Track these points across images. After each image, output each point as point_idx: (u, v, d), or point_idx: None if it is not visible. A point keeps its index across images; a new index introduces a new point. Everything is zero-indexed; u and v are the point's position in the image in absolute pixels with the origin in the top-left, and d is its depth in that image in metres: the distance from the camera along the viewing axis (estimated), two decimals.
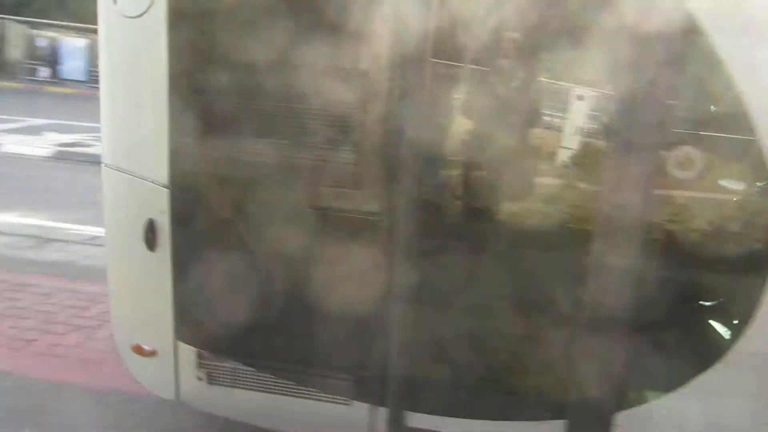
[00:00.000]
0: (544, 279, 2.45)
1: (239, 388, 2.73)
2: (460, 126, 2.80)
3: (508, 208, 2.74)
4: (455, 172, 2.81)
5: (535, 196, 2.79)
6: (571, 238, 2.52)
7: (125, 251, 2.77)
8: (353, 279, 2.39)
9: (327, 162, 2.45)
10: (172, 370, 2.74)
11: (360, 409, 2.60)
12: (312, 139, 2.45)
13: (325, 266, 2.46)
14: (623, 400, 2.42)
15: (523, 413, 2.55)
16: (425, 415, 2.56)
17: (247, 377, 2.71)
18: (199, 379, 2.74)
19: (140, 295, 2.78)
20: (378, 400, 2.57)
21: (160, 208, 2.58)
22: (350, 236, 2.44)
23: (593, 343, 2.34)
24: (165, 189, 2.57)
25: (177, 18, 2.41)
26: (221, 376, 2.73)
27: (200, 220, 2.60)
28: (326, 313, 2.47)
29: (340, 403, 2.62)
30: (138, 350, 2.77)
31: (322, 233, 2.48)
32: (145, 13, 2.43)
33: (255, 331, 2.59)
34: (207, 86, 2.50)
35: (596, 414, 2.43)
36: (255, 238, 2.56)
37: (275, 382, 2.68)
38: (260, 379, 2.71)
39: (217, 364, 2.71)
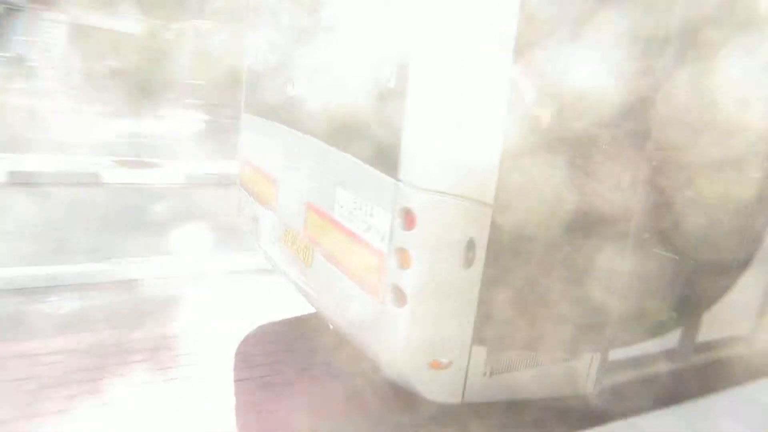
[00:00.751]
0: None
1: (513, 371, 3.06)
2: None
3: None
4: None
5: None
6: None
7: (437, 271, 2.68)
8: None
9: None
10: (462, 375, 2.86)
11: (582, 360, 3.28)
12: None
13: (605, 281, 3.08)
14: None
15: None
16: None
17: (518, 360, 3.07)
18: (484, 374, 2.94)
19: (446, 311, 2.74)
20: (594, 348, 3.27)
21: (481, 226, 2.64)
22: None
23: None
24: (488, 208, 2.64)
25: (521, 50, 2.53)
26: (501, 365, 3.01)
27: (513, 237, 2.74)
28: (581, 304, 3.08)
29: (570, 360, 3.26)
30: (435, 365, 2.79)
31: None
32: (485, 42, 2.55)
33: (536, 323, 3.00)
34: (541, 113, 2.72)
35: None
36: (558, 254, 2.98)
37: (536, 358, 3.15)
38: (527, 359, 3.11)
39: (499, 356, 2.98)
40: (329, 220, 3.22)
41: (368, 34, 3.07)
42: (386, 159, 2.71)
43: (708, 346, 3.84)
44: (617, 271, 3.06)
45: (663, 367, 3.61)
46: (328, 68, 3.37)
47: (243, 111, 4.48)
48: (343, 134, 3.12)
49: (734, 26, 3.11)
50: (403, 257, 2.65)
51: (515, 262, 2.79)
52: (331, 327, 3.53)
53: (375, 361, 3.04)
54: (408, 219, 2.60)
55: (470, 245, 2.61)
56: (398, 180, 2.64)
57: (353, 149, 3.00)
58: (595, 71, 2.65)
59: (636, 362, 3.49)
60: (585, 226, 2.90)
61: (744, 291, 3.78)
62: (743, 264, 3.74)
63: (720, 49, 2.98)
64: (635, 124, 2.94)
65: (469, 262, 2.63)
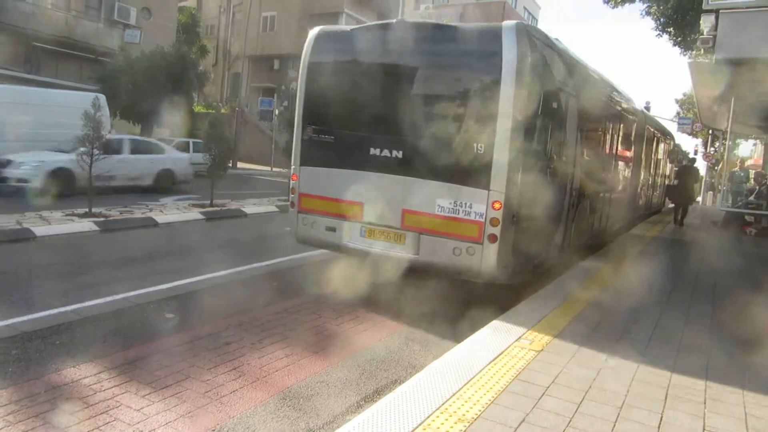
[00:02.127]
0: None
1: (532, 266, 6.78)
2: None
3: None
4: None
5: None
6: None
7: (505, 227, 5.88)
8: None
9: None
10: (515, 270, 6.24)
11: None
12: None
13: None
14: None
15: None
16: None
17: (530, 260, 6.64)
18: (523, 269, 6.51)
19: (508, 243, 5.97)
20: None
21: (518, 207, 5.96)
22: None
23: None
24: (517, 200, 5.94)
25: None
26: (528, 264, 6.59)
27: (520, 213, 6.04)
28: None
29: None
30: (506, 266, 6.00)
31: None
32: None
33: (536, 244, 6.61)
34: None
35: None
36: None
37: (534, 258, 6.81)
38: (534, 258, 6.70)
39: (527, 260, 6.53)
40: (429, 215, 6.13)
41: (456, 116, 6.15)
42: (479, 182, 5.89)
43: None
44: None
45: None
46: (422, 137, 6.22)
47: (299, 164, 7.02)
48: (442, 174, 6.08)
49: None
50: (494, 221, 5.86)
51: (525, 223, 6.09)
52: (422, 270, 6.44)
53: (473, 275, 6.04)
54: (495, 205, 5.85)
55: (515, 215, 5.94)
56: (489, 189, 5.86)
57: (451, 180, 6.04)
58: None
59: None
60: (552, 203, 6.82)
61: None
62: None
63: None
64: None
65: (513, 222, 5.95)
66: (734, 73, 10.11)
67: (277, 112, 30.45)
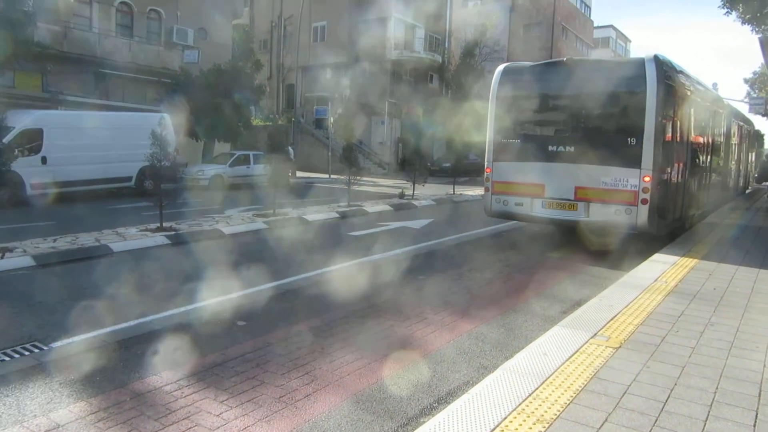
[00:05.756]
0: None
1: (670, 220, 9.76)
2: None
3: None
4: None
5: None
6: None
7: (654, 192, 8.59)
8: None
9: None
10: (661, 224, 9.07)
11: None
12: None
13: None
14: None
15: None
16: None
17: (673, 216, 9.79)
18: (666, 222, 9.34)
19: (657, 204, 8.72)
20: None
21: (659, 179, 8.76)
22: None
23: None
24: (660, 174, 8.81)
25: None
26: (667, 220, 9.52)
27: (665, 181, 9.12)
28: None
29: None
30: (656, 220, 8.75)
31: None
32: None
33: (672, 205, 9.77)
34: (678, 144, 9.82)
35: None
36: None
37: (674, 214, 9.96)
38: (674, 215, 9.90)
39: (667, 215, 9.43)
40: (596, 189, 9.06)
41: (614, 120, 9.41)
42: (633, 163, 8.73)
43: None
44: None
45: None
46: (588, 136, 9.33)
47: (492, 161, 10.28)
48: (605, 161, 8.96)
49: None
50: (645, 189, 8.64)
51: (663, 192, 9.01)
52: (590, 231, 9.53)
53: (630, 228, 8.89)
54: (645, 179, 8.66)
55: (658, 185, 8.74)
56: (641, 168, 8.69)
57: (612, 164, 8.91)
58: None
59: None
60: (680, 180, 9.93)
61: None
62: None
63: None
64: None
65: (657, 191, 8.72)
66: None
67: (332, 120, 30.90)
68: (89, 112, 18.61)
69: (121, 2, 24.82)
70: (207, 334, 5.38)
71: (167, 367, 4.51)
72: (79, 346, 4.98)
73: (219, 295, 6.56)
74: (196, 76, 24.04)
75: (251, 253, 9.48)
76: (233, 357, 4.76)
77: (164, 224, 10.77)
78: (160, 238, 9.96)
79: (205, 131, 23.69)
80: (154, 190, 10.92)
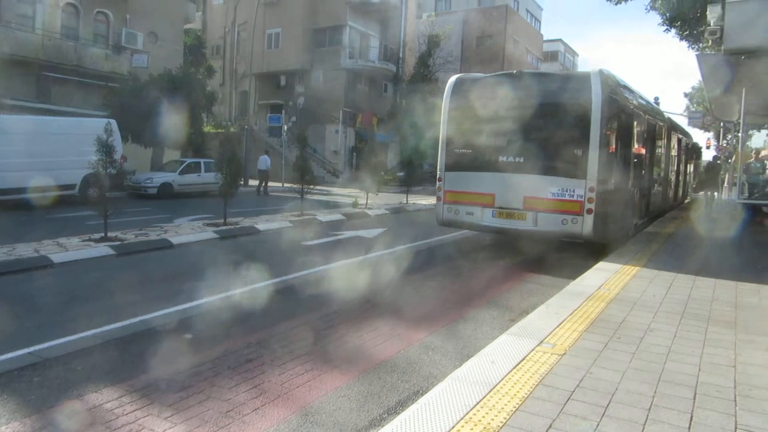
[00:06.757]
0: None
1: (613, 227, 9.85)
2: None
3: None
4: None
5: None
6: None
7: (599, 202, 8.95)
8: None
9: None
10: (605, 231, 9.33)
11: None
12: None
13: None
14: None
15: None
16: None
17: (609, 223, 9.61)
18: (607, 229, 9.44)
19: (601, 215, 9.05)
20: None
21: (600, 189, 9.07)
22: None
23: None
24: (600, 185, 9.06)
25: None
26: (607, 228, 9.55)
27: (604, 193, 9.16)
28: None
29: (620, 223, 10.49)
30: (600, 230, 9.09)
31: None
32: None
33: (612, 216, 9.67)
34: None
35: None
36: None
37: (614, 222, 9.94)
38: (612, 222, 9.77)
39: (608, 224, 9.49)
40: (544, 199, 9.30)
41: (562, 132, 9.45)
42: (579, 174, 9.05)
43: None
44: None
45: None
46: (538, 148, 9.46)
47: (444, 170, 10.51)
48: (552, 172, 9.31)
49: None
50: (590, 199, 8.96)
51: (607, 202, 9.23)
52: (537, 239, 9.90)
53: (576, 237, 9.22)
54: (591, 188, 8.97)
55: (602, 196, 9.02)
56: (587, 179, 9.01)
57: (559, 174, 9.25)
58: None
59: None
60: (623, 190, 10.30)
61: None
62: None
63: None
64: None
65: (601, 201, 9.00)
66: (743, 64, 9.99)
67: (285, 128, 30.64)
68: (30, 117, 17.87)
69: (66, 3, 24.00)
70: (152, 348, 5.22)
71: (108, 384, 4.35)
72: (10, 363, 4.74)
73: (165, 307, 6.38)
74: (146, 80, 23.45)
75: (200, 263, 9.28)
76: (179, 371, 4.63)
77: (109, 234, 10.42)
78: (104, 249, 9.63)
79: (154, 138, 23.09)
80: (99, 198, 10.56)
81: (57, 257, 8.82)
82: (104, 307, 6.47)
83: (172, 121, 22.44)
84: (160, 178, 20.79)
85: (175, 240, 10.79)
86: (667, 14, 18.49)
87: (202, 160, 22.13)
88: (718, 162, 21.55)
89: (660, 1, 18.16)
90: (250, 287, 7.43)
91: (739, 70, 10.81)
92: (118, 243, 10.05)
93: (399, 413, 3.68)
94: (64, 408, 3.96)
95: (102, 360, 4.89)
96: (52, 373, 4.56)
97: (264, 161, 25.11)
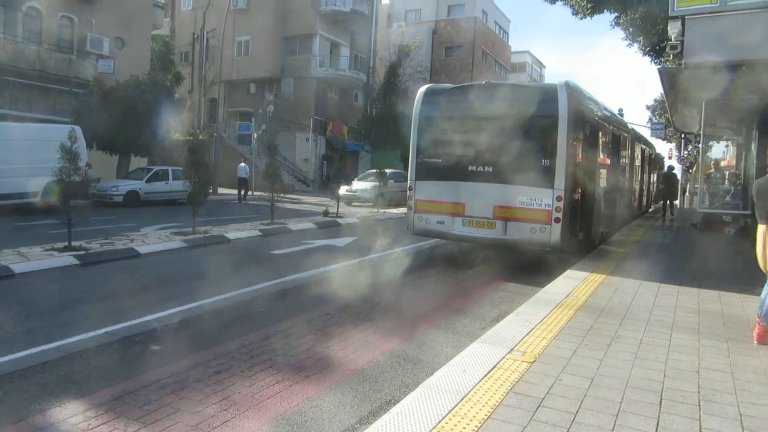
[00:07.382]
0: None
1: (579, 238, 10.12)
2: None
3: None
4: None
5: None
6: None
7: (566, 212, 9.11)
8: None
9: None
10: (571, 242, 9.58)
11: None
12: None
13: None
14: None
15: None
16: None
17: (577, 235, 10.06)
18: (575, 240, 9.82)
19: (568, 224, 9.26)
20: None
21: (568, 198, 9.31)
22: None
23: None
24: (569, 194, 9.31)
25: None
26: (576, 238, 10.05)
27: (572, 202, 9.54)
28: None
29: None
30: (567, 239, 9.29)
31: None
32: None
33: (579, 225, 10.08)
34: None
35: None
36: None
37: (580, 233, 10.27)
38: (579, 233, 10.19)
39: (576, 235, 9.96)
40: (513, 208, 9.42)
41: (529, 142, 9.45)
42: (547, 183, 9.19)
43: None
44: None
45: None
46: (503, 157, 9.59)
47: (415, 180, 10.51)
48: (520, 181, 9.36)
49: None
50: (557, 208, 9.09)
51: (574, 211, 9.58)
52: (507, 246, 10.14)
53: (544, 245, 9.31)
54: (558, 198, 9.10)
55: (569, 205, 9.26)
56: (554, 188, 9.16)
57: (528, 184, 9.31)
58: None
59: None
60: (589, 199, 10.49)
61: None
62: None
63: None
64: None
65: (569, 210, 9.23)
66: (702, 77, 10.32)
67: (255, 135, 30.40)
68: None
69: (29, 6, 23.42)
70: (118, 360, 5.11)
71: (72, 398, 4.22)
72: None
73: (132, 318, 6.24)
74: (112, 86, 23.01)
75: (168, 273, 9.12)
76: (146, 384, 4.53)
77: (73, 243, 10.16)
78: (68, 258, 9.38)
79: (120, 145, 22.66)
80: (63, 206, 10.28)
81: (18, 267, 8.55)
82: (67, 318, 6.29)
83: (139, 128, 22.04)
84: (126, 185, 20.38)
85: (142, 249, 10.58)
86: (630, 29, 19.02)
87: (170, 168, 21.77)
88: (674, 172, 22.13)
89: (623, 18, 18.66)
90: (218, 297, 7.33)
91: (699, 84, 11.18)
92: (82, 252, 9.81)
93: (372, 423, 3.67)
94: (25, 425, 3.83)
95: (65, 373, 4.75)
96: (13, 388, 4.41)
97: (243, 169, 24.98)
